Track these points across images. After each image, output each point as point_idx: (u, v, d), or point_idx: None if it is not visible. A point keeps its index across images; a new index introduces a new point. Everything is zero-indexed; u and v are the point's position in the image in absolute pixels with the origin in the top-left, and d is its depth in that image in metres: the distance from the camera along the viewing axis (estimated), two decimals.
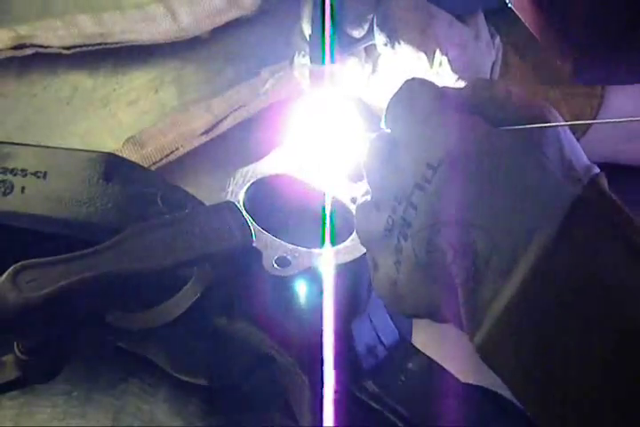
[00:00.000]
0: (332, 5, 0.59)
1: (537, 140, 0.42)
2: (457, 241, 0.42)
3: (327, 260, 0.55)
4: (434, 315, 0.46)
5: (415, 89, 0.47)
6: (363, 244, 0.49)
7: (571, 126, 0.44)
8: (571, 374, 0.39)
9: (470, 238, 0.42)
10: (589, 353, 0.39)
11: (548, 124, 0.43)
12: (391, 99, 0.47)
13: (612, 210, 0.41)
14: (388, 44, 0.63)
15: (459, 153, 0.43)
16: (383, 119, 0.48)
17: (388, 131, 0.47)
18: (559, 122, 0.44)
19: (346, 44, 0.64)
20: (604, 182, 0.42)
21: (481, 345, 0.42)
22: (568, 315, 0.39)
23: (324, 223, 0.58)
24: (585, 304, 0.39)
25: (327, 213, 0.59)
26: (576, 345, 0.39)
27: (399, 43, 0.63)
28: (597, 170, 0.42)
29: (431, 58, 0.63)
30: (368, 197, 0.48)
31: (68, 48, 0.95)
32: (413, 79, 0.47)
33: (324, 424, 0.58)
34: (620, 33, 0.45)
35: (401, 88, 0.47)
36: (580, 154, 0.44)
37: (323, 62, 0.61)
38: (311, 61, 0.62)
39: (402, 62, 0.65)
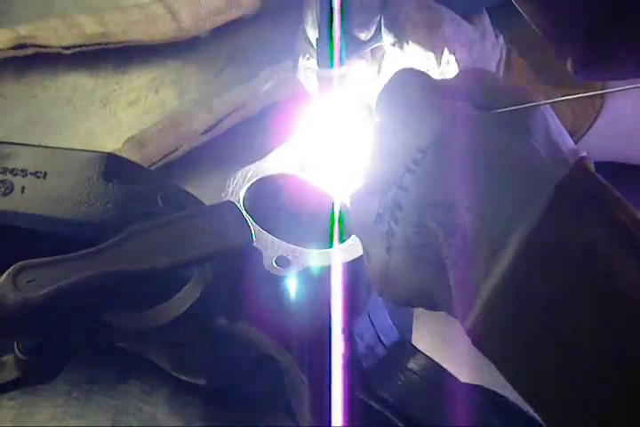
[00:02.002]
0: (339, 8, 0.59)
1: (524, 122, 0.43)
2: (447, 222, 0.42)
3: (327, 259, 0.55)
4: (425, 301, 0.47)
5: (405, 78, 0.47)
6: (356, 234, 0.50)
7: (572, 127, 0.44)
8: (563, 352, 0.39)
9: (460, 219, 0.42)
10: (580, 329, 0.39)
11: (535, 103, 0.44)
12: (382, 89, 0.48)
13: (598, 189, 0.41)
14: (396, 45, 0.63)
15: (447, 136, 0.43)
16: (375, 109, 0.48)
17: (379, 120, 0.48)
18: (546, 111, 0.44)
19: (353, 46, 0.63)
20: (591, 164, 0.43)
21: (472, 328, 0.42)
22: (557, 292, 0.39)
23: (331, 223, 0.58)
24: (573, 282, 0.39)
25: (327, 212, 0.59)
26: (566, 321, 0.39)
27: (407, 43, 0.63)
28: (584, 153, 0.43)
29: (439, 57, 0.63)
30: (359, 186, 0.48)
31: (68, 48, 0.95)
32: (404, 70, 0.48)
33: (325, 424, 0.58)
34: (621, 26, 0.45)
35: (391, 78, 0.48)
36: (566, 138, 0.44)
37: (331, 66, 0.61)
38: (319, 65, 0.62)
39: (409, 62, 0.65)
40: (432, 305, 0.47)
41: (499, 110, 0.43)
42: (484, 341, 0.42)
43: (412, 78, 0.47)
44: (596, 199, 0.40)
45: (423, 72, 0.48)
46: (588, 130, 0.76)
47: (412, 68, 0.48)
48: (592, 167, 0.42)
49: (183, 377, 0.66)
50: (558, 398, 0.39)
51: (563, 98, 0.44)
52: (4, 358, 0.55)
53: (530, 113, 0.43)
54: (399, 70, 0.48)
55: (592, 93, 0.44)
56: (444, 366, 0.61)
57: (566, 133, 0.45)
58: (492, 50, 0.68)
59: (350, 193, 0.49)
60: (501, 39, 0.70)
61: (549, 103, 0.44)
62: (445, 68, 0.64)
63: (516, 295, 0.40)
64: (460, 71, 0.48)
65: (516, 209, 0.40)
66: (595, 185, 0.41)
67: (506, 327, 0.41)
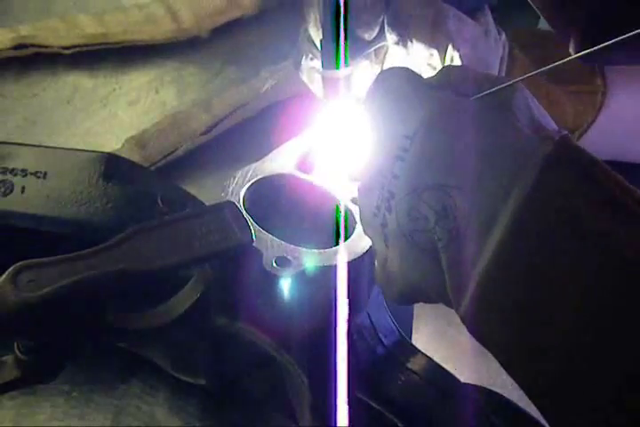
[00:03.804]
0: (343, 9, 0.59)
1: (507, 103, 0.44)
2: (438, 205, 0.43)
3: (327, 259, 0.55)
4: (421, 292, 0.47)
5: (391, 75, 0.48)
6: (364, 232, 0.50)
7: (573, 124, 0.45)
8: (560, 331, 0.38)
9: (451, 201, 0.42)
10: (575, 304, 0.38)
11: (513, 80, 0.44)
12: (369, 86, 0.49)
13: (584, 161, 0.41)
14: (400, 43, 0.63)
15: (433, 120, 0.44)
16: (363, 106, 0.49)
17: (368, 116, 0.48)
18: (527, 94, 0.45)
19: (357, 46, 0.63)
20: (574, 140, 0.43)
21: (466, 311, 0.42)
22: (549, 267, 0.39)
23: (332, 223, 0.58)
24: (566, 252, 0.39)
25: (328, 212, 0.59)
26: (561, 296, 0.39)
27: (411, 41, 0.63)
28: (566, 132, 0.43)
29: (443, 54, 0.63)
30: (360, 183, 0.49)
31: (68, 48, 0.95)
32: (389, 68, 0.49)
33: (325, 424, 0.58)
34: (625, 10, 0.45)
35: (377, 76, 0.49)
36: (548, 118, 0.45)
37: (335, 66, 0.61)
38: (323, 66, 0.62)
39: (413, 60, 0.65)
40: (428, 296, 0.47)
41: (481, 94, 0.44)
42: (479, 323, 0.42)
43: (397, 74, 0.48)
44: (582, 170, 0.40)
45: (408, 68, 0.49)
46: (589, 127, 0.76)
47: (397, 66, 0.49)
48: (575, 141, 0.43)
49: (183, 377, 0.66)
50: (556, 379, 0.39)
51: (539, 70, 0.45)
52: (4, 358, 0.55)
53: (512, 95, 0.44)
54: (385, 69, 0.49)
55: (563, 61, 0.44)
56: (444, 366, 0.61)
57: (548, 116, 0.45)
58: (495, 47, 0.68)
59: (358, 188, 0.50)
60: (503, 36, 0.70)
61: (528, 77, 0.45)
62: (450, 64, 0.64)
63: (509, 270, 0.40)
64: (441, 68, 0.49)
65: (505, 185, 0.41)
66: (580, 157, 0.41)
67: (500, 306, 0.41)
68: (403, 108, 0.45)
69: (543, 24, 0.90)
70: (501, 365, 0.42)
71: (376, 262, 0.49)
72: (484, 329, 0.42)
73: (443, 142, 0.43)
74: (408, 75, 0.48)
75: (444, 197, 0.43)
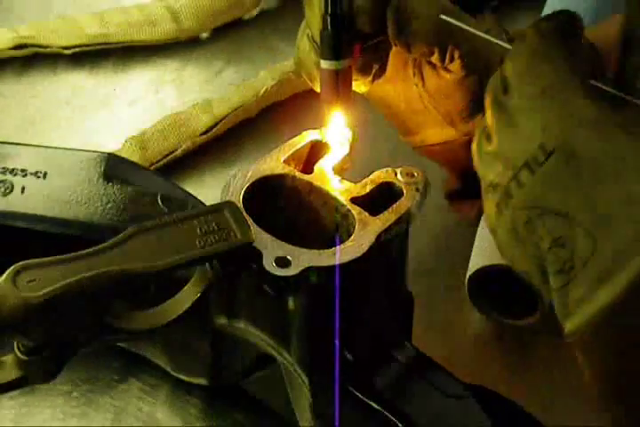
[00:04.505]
0: (342, 2, 0.59)
1: None
2: (557, 232, 0.41)
3: (327, 260, 0.55)
4: (524, 275, 0.45)
5: (545, 42, 0.44)
6: (477, 169, 0.47)
7: None
8: None
9: (573, 236, 0.40)
10: None
11: None
12: (519, 55, 0.44)
13: None
14: (401, 38, 0.63)
15: (576, 145, 0.40)
16: (506, 62, 0.45)
17: (506, 75, 0.44)
18: None
19: (357, 39, 0.63)
20: None
21: (570, 334, 0.41)
22: None
23: (337, 223, 0.58)
24: None
25: (328, 212, 0.59)
26: None
27: (412, 36, 0.62)
28: None
29: (443, 52, 0.63)
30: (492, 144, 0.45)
31: (68, 48, 0.95)
32: (546, 26, 0.44)
33: (325, 425, 0.58)
34: None
35: (530, 35, 0.44)
36: None
37: (334, 59, 0.61)
38: (322, 58, 0.62)
39: (412, 56, 0.65)
40: (529, 279, 0.45)
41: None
42: (581, 347, 0.42)
43: (552, 44, 0.43)
44: None
45: (566, 42, 0.44)
46: None
47: (553, 26, 0.44)
48: None
49: (183, 377, 0.66)
50: None
51: None
52: (4, 358, 0.54)
53: None
54: (540, 27, 0.44)
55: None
56: (445, 366, 0.61)
57: None
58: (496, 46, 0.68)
59: (477, 141, 0.47)
60: (504, 36, 0.69)
61: None
62: (449, 63, 0.64)
63: (622, 322, 0.39)
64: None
65: (633, 241, 0.38)
66: None
67: (605, 346, 0.40)
68: (548, 108, 0.42)
69: None
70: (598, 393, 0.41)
71: (485, 216, 0.46)
72: (585, 351, 0.41)
73: (580, 172, 0.40)
74: (563, 58, 0.43)
75: (566, 229, 0.40)
